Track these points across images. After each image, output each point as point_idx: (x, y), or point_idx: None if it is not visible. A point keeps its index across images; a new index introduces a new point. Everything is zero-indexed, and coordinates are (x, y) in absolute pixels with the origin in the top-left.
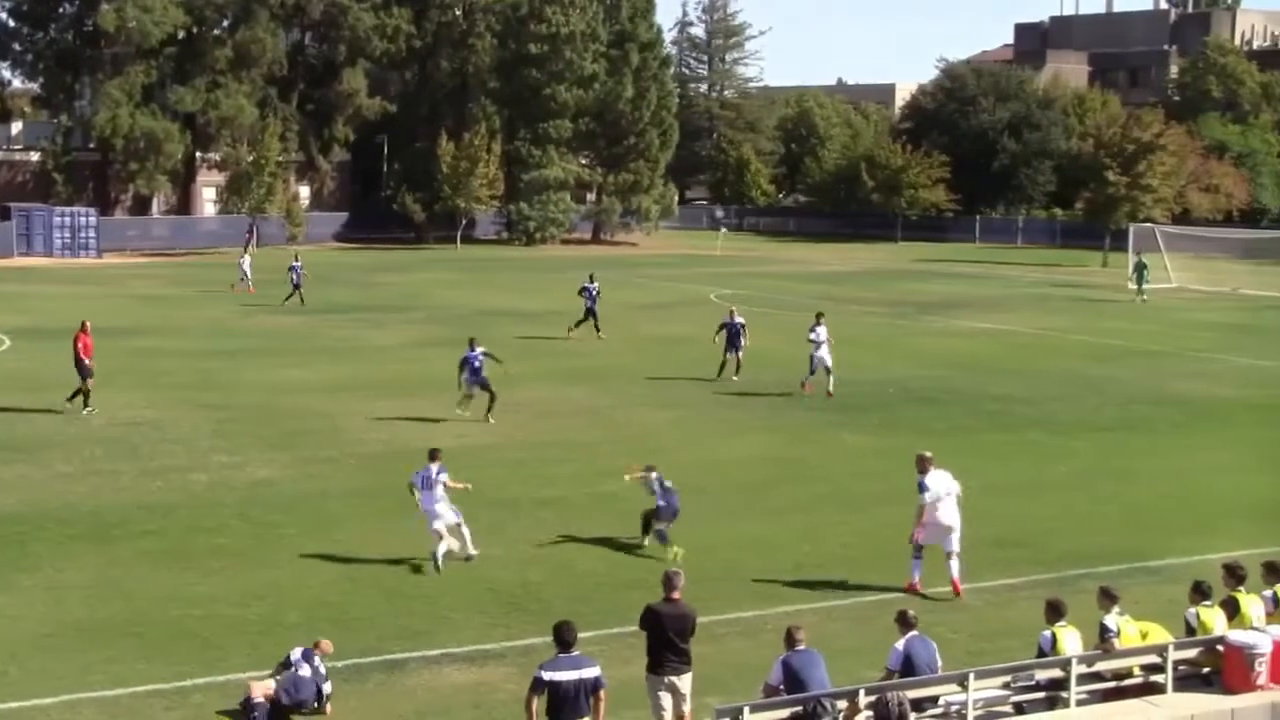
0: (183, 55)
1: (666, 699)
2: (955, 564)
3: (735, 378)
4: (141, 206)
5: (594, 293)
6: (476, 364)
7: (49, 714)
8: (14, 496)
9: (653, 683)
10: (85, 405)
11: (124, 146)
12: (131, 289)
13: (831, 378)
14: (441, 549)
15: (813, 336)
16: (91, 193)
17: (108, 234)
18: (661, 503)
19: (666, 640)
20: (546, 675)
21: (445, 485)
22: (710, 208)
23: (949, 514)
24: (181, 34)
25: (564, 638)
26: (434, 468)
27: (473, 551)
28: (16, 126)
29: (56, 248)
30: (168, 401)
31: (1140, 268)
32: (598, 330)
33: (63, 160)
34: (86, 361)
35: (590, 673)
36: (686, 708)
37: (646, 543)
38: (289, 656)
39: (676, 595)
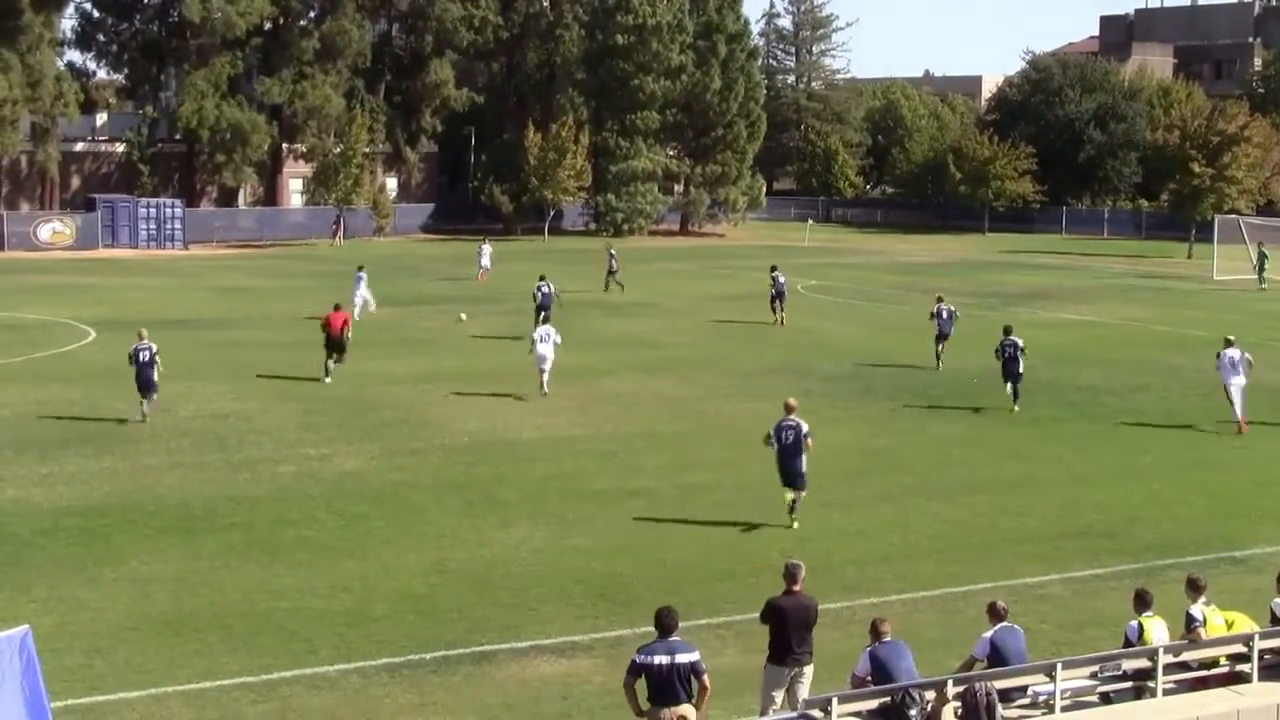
0: (268, 46)
1: (780, 693)
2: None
3: (1016, 407)
4: (228, 198)
5: (780, 281)
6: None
7: (134, 707)
8: (100, 489)
9: (773, 673)
10: (327, 374)
11: (210, 138)
12: (218, 280)
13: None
14: (545, 379)
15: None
16: (177, 184)
17: (194, 225)
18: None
19: (790, 633)
20: (640, 659)
21: (554, 341)
22: (796, 199)
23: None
24: (267, 25)
25: (662, 623)
26: (550, 329)
27: (546, 390)
28: (101, 118)
29: (142, 239)
30: (254, 393)
31: (1262, 257)
32: (776, 316)
33: (148, 152)
34: (343, 336)
35: (686, 657)
36: (803, 697)
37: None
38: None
39: (798, 588)
